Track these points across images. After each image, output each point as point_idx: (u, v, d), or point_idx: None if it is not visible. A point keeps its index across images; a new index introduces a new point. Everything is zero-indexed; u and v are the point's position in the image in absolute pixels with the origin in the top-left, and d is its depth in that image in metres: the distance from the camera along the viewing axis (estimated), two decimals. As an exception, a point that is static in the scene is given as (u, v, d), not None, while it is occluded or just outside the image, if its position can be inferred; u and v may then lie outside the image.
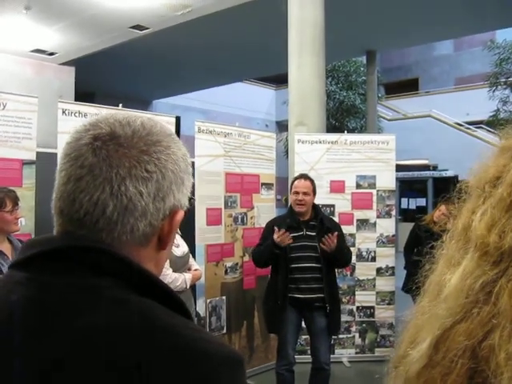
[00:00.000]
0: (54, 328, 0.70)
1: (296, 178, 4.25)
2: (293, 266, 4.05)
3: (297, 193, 4.09)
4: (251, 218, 5.48)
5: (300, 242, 4.07)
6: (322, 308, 4.08)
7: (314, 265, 4.05)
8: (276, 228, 3.98)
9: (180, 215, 0.84)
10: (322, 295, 4.05)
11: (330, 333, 4.25)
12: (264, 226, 5.45)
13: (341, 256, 4.15)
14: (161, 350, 0.68)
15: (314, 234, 4.08)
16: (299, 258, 4.05)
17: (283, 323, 4.11)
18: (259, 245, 4.27)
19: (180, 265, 3.76)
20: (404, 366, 0.58)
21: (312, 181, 4.21)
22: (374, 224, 5.96)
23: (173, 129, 4.78)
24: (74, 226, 0.78)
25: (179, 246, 3.78)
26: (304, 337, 5.29)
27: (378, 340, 5.96)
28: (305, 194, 4.08)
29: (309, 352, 4.65)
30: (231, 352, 0.74)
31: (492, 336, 0.50)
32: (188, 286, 3.77)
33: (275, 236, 3.93)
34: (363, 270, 5.84)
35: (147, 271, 0.78)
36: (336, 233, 4.01)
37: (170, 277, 3.58)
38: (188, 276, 3.78)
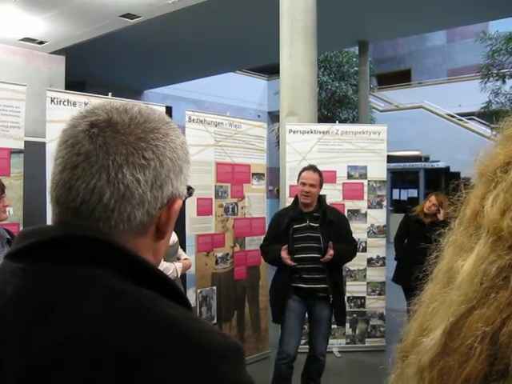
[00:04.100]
0: (50, 317, 0.68)
1: (305, 169, 4.23)
2: (296, 256, 4.07)
3: (303, 184, 4.11)
4: (242, 208, 5.46)
5: (303, 233, 4.10)
6: (325, 298, 4.12)
7: (316, 255, 4.07)
8: (285, 246, 4.01)
9: (178, 204, 0.82)
10: (325, 285, 4.09)
11: (337, 323, 4.34)
12: (254, 215, 5.45)
13: (344, 256, 4.25)
14: (161, 341, 0.67)
15: (317, 225, 4.12)
16: (302, 249, 4.07)
17: (286, 313, 4.12)
18: (265, 239, 4.33)
19: (170, 254, 3.75)
20: (416, 355, 0.57)
21: (320, 174, 4.23)
22: (365, 214, 5.97)
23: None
24: (71, 215, 0.77)
25: (169, 235, 3.77)
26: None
27: (369, 330, 5.99)
28: (311, 186, 4.10)
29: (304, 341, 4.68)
30: (231, 342, 0.73)
31: (510, 322, 0.49)
32: (179, 275, 3.77)
33: (283, 254, 3.98)
34: (354, 261, 5.74)
35: (145, 261, 0.77)
36: (331, 243, 4.03)
37: (161, 265, 3.57)
38: (179, 265, 3.78)
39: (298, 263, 4.03)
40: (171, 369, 0.66)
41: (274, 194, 13.86)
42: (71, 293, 0.71)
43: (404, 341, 0.62)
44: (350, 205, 5.94)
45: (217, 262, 5.22)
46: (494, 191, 0.56)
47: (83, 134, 0.77)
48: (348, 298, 5.89)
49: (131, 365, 0.65)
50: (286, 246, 4.00)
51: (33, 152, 4.30)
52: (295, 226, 4.11)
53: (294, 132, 5.91)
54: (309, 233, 4.11)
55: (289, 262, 3.97)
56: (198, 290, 5.01)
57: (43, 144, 4.07)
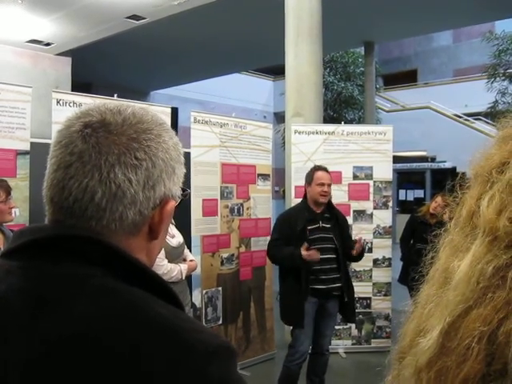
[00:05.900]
0: (47, 317, 0.69)
1: (316, 170, 4.25)
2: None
3: (322, 184, 4.14)
4: (247, 208, 5.46)
5: (317, 234, 4.12)
6: (337, 296, 4.18)
7: (331, 256, 4.13)
8: (306, 244, 3.93)
9: (171, 205, 0.83)
10: (339, 285, 4.14)
11: (348, 320, 4.57)
12: (260, 216, 5.43)
13: (361, 255, 4.33)
14: (152, 340, 0.67)
15: (329, 225, 4.18)
16: (318, 250, 4.06)
17: (305, 315, 4.13)
18: (275, 240, 4.23)
19: (175, 255, 3.74)
20: (413, 356, 0.57)
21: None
22: (371, 215, 5.96)
23: (169, 120, 4.75)
24: (64, 214, 0.78)
25: (175, 237, 3.76)
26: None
27: (375, 331, 5.97)
28: (329, 185, 4.18)
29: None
30: (222, 342, 0.73)
31: (508, 322, 0.49)
32: (183, 277, 3.76)
33: (304, 252, 3.89)
34: (360, 261, 5.81)
35: (137, 260, 0.77)
36: (362, 239, 4.31)
37: (166, 267, 3.57)
38: (183, 267, 3.76)
39: (316, 264, 4.03)
40: (161, 367, 0.66)
41: (280, 194, 13.84)
42: (64, 292, 0.71)
43: (401, 342, 0.62)
44: (355, 205, 5.93)
45: (222, 263, 5.22)
46: (489, 191, 0.56)
47: (77, 135, 0.78)
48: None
49: (123, 363, 0.65)
50: (305, 246, 3.92)
51: (39, 153, 4.29)
52: (309, 228, 4.12)
53: (299, 133, 5.91)
54: (322, 234, 4.14)
55: (315, 256, 3.91)
56: (204, 291, 5.02)
57: (49, 145, 4.04)
